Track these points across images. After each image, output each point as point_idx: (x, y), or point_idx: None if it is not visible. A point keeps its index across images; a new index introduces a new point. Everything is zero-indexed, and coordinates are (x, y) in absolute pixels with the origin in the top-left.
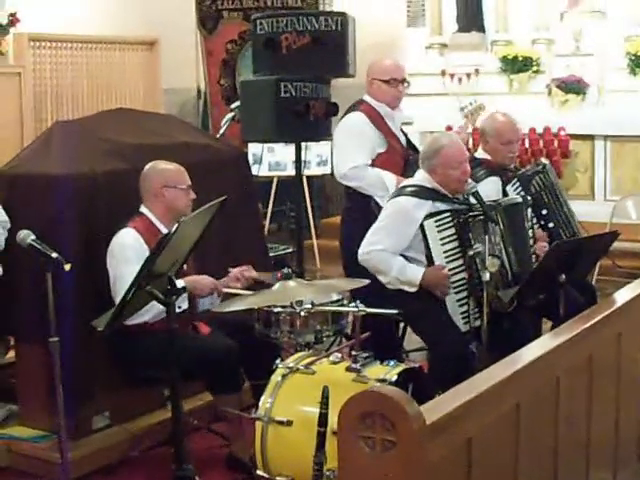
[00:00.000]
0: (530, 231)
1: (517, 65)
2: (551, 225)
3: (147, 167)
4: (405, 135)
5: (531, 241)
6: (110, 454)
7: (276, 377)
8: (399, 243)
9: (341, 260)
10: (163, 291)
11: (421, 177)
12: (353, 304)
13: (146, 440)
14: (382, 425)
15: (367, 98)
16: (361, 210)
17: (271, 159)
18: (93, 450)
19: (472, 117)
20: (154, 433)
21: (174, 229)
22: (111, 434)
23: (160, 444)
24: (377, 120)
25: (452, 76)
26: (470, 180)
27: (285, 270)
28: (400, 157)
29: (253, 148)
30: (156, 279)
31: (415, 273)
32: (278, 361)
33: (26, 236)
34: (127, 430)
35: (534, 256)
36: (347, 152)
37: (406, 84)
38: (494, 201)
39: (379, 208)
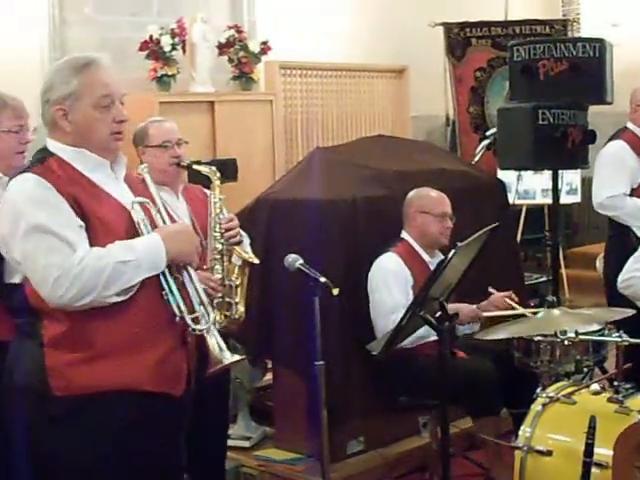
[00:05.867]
0: None
1: None
2: None
3: (411, 193)
4: None
5: None
6: (364, 479)
7: (536, 406)
8: None
9: (594, 289)
10: (434, 317)
11: None
12: (616, 334)
13: (400, 467)
14: None
15: (630, 125)
16: (622, 239)
17: (519, 187)
18: (348, 474)
19: None
20: (408, 460)
21: (451, 254)
22: (365, 459)
23: (414, 471)
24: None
25: None
26: None
27: (549, 299)
28: None
29: (502, 176)
30: (428, 304)
31: None
32: (539, 390)
33: (294, 260)
34: (381, 456)
35: None
36: (605, 181)
37: None
38: None
39: (638, 239)
